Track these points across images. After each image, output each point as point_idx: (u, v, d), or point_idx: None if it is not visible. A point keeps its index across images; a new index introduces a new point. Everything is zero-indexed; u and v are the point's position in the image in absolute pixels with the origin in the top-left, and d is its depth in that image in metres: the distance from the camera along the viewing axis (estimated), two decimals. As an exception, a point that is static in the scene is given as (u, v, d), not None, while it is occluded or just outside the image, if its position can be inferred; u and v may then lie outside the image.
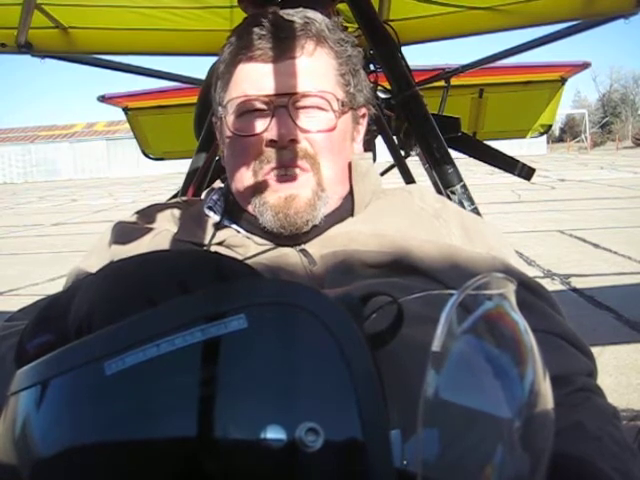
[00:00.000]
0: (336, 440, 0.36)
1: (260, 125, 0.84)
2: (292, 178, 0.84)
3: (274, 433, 0.35)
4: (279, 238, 0.85)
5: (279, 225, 0.84)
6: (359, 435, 0.36)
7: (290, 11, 0.87)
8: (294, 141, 0.83)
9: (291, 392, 0.37)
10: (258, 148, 0.84)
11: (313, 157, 0.85)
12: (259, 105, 0.85)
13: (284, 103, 0.83)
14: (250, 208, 0.87)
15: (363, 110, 0.94)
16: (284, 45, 0.84)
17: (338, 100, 0.86)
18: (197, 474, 0.36)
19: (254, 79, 0.84)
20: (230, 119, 0.87)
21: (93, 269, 0.84)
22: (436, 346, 0.36)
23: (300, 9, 0.89)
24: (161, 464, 0.36)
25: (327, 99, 0.85)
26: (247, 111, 0.85)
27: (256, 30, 0.84)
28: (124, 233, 0.90)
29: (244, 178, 0.87)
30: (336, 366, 0.38)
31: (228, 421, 0.36)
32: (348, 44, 0.90)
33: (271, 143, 0.83)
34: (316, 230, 0.86)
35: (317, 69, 0.86)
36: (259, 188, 0.85)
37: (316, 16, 0.88)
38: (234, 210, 0.90)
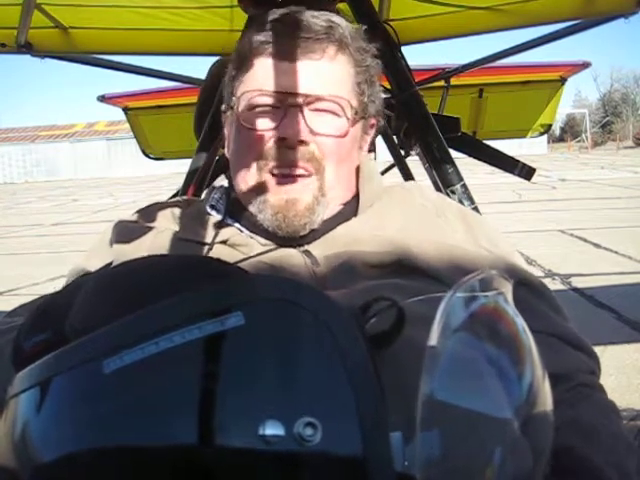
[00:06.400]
0: (334, 435, 0.36)
1: (271, 122, 0.84)
2: (295, 180, 0.84)
3: (272, 428, 0.36)
4: (278, 238, 0.85)
5: (276, 225, 0.84)
6: (357, 429, 0.37)
7: (316, 13, 0.87)
8: (303, 142, 0.83)
9: (289, 388, 0.38)
10: (266, 144, 0.84)
11: (319, 161, 0.84)
12: (272, 101, 0.84)
13: (298, 103, 0.83)
14: (251, 206, 0.87)
15: (373, 120, 0.95)
16: (305, 46, 0.83)
17: (352, 108, 0.86)
18: (196, 470, 0.36)
19: (271, 75, 0.84)
20: (241, 111, 0.86)
21: (94, 269, 0.84)
22: (432, 342, 0.36)
23: (325, 12, 0.88)
24: (159, 460, 0.37)
25: (342, 105, 0.85)
26: (259, 105, 0.85)
27: (279, 27, 0.84)
28: (125, 232, 0.90)
29: (248, 174, 0.86)
30: (332, 361, 0.38)
31: (227, 417, 0.37)
32: (368, 54, 0.90)
33: (279, 141, 0.83)
34: (316, 232, 0.85)
35: (335, 74, 0.86)
36: (262, 186, 0.85)
37: (341, 22, 0.88)
38: (236, 208, 0.90)
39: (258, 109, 0.85)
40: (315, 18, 0.85)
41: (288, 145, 0.83)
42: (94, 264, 0.86)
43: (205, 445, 0.36)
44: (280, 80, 0.83)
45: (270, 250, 0.83)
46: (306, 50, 0.83)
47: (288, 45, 0.83)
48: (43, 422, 0.40)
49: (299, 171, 0.84)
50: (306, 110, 0.83)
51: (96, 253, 0.92)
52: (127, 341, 0.38)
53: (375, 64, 0.91)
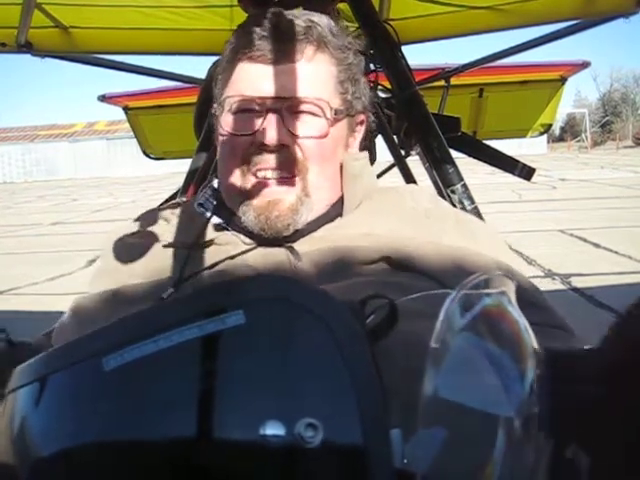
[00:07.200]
0: (335, 436, 0.36)
1: (252, 126, 0.85)
2: (278, 182, 0.85)
3: (273, 429, 0.36)
4: (263, 239, 0.85)
5: (259, 227, 0.85)
6: (358, 430, 0.36)
7: (295, 12, 0.88)
8: (284, 146, 0.84)
9: (290, 388, 0.37)
10: (248, 149, 0.85)
11: (302, 163, 0.85)
12: (253, 106, 0.85)
13: (278, 106, 0.84)
14: (235, 208, 0.88)
15: (361, 117, 0.94)
16: (284, 48, 0.84)
17: (332, 108, 0.86)
18: (195, 470, 0.36)
19: (251, 80, 0.85)
20: (224, 117, 0.88)
21: (103, 292, 0.85)
22: (435, 343, 0.36)
23: (305, 12, 0.89)
24: (159, 460, 0.37)
25: (321, 106, 0.85)
26: (241, 111, 0.86)
27: (257, 30, 0.84)
28: (123, 252, 0.91)
29: (232, 177, 0.88)
30: (334, 362, 0.38)
31: (227, 416, 0.37)
32: (350, 51, 0.90)
33: (261, 145, 0.84)
34: (300, 233, 0.86)
35: (315, 75, 0.86)
36: (245, 189, 0.86)
37: (320, 20, 0.88)
38: (223, 209, 0.91)
39: (239, 114, 0.86)
40: (294, 18, 0.86)
41: (269, 149, 0.84)
42: (105, 284, 0.88)
43: (205, 445, 0.36)
44: (259, 84, 0.84)
45: (253, 248, 0.84)
46: (284, 52, 0.84)
47: (267, 48, 0.84)
48: (41, 418, 0.40)
49: (282, 174, 0.85)
50: (285, 113, 0.84)
51: (103, 277, 0.92)
52: (128, 339, 0.38)
53: (358, 61, 0.92)
